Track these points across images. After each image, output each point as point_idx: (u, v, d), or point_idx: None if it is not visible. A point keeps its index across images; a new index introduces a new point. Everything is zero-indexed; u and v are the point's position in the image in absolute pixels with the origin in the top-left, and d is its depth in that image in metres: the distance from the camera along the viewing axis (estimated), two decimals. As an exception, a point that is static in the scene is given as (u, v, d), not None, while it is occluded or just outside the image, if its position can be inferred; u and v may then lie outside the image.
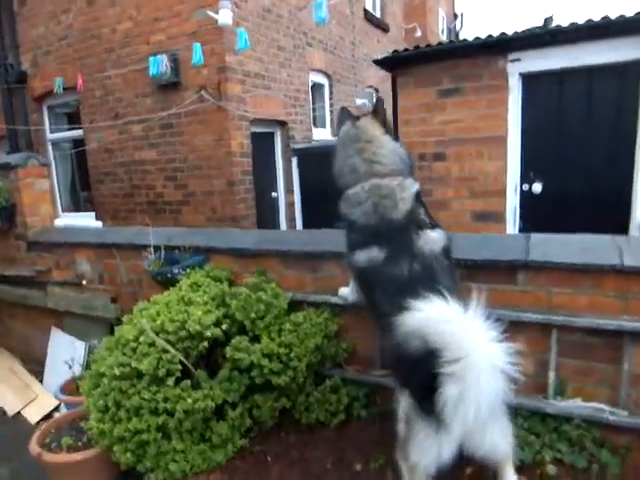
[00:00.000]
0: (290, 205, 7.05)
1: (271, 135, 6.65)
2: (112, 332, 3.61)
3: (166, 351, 2.39)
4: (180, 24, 5.20)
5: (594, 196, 3.59)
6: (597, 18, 3.23)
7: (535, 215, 3.75)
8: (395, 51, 3.92)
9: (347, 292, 2.55)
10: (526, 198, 3.73)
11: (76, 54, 6.19)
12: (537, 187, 3.70)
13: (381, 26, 9.94)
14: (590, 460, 2.19)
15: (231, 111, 5.25)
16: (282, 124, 6.63)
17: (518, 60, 3.56)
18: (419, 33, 11.92)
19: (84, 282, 3.69)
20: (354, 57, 8.85)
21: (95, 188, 6.38)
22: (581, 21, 3.28)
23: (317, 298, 2.73)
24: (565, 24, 3.31)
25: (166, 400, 2.30)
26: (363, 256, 2.00)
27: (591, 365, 2.25)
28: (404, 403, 1.89)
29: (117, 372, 2.32)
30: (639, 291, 2.13)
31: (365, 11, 9.09)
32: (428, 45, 3.82)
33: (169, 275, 3.01)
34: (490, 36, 3.58)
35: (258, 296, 2.59)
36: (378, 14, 10.10)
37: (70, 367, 3.55)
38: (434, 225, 2.00)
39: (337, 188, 2.21)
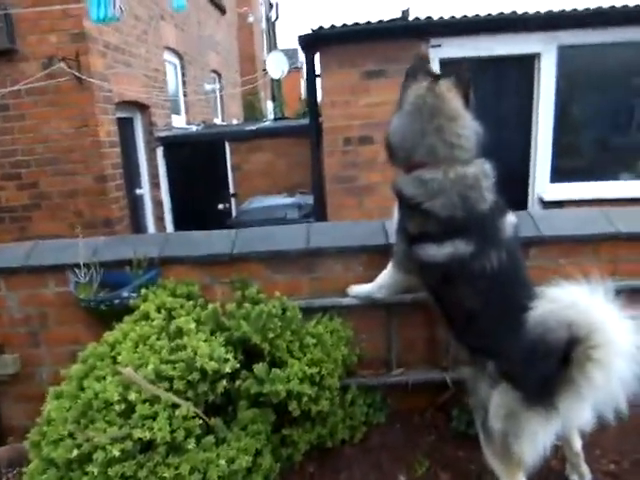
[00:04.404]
0: (157, 203, 6.14)
1: (130, 121, 5.63)
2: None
3: (175, 405, 1.75)
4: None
5: (501, 173, 3.99)
6: (507, 11, 3.58)
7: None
8: (320, 27, 3.64)
9: (371, 288, 2.27)
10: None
11: None
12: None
13: (220, 7, 9.36)
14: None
15: (97, 91, 4.23)
16: (143, 108, 5.68)
17: (439, 46, 3.69)
18: (251, 18, 11.66)
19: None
20: (200, 37, 8.13)
21: None
22: (494, 14, 3.57)
23: (324, 302, 2.37)
24: (482, 14, 3.57)
25: (193, 471, 1.69)
26: (442, 250, 1.78)
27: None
28: (502, 397, 1.75)
29: (116, 452, 1.60)
30: (625, 254, 2.41)
31: (206, -13, 8.42)
32: (355, 23, 3.65)
33: (117, 301, 2.25)
34: (417, 19, 3.62)
35: (269, 310, 2.11)
36: (215, -6, 9.48)
37: None
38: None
39: (393, 158, 1.92)
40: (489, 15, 3.61)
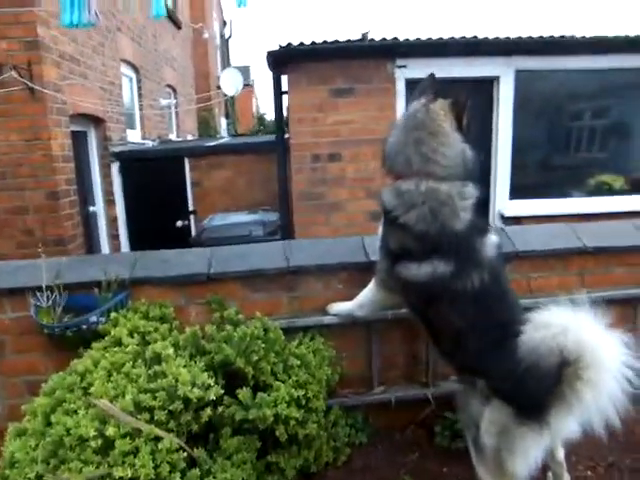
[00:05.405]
0: (112, 220, 5.86)
1: (84, 135, 5.37)
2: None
3: (158, 438, 1.63)
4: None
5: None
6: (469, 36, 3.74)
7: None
8: (289, 44, 3.64)
9: (352, 306, 2.23)
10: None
11: None
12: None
13: (176, 22, 9.22)
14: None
15: (50, 102, 4.00)
16: (98, 122, 5.44)
17: (404, 67, 3.79)
18: (207, 34, 11.56)
19: None
20: (156, 51, 7.94)
21: None
22: (457, 37, 3.72)
23: (306, 321, 2.31)
24: (446, 37, 3.70)
25: (179, 509, 1.57)
26: (422, 270, 1.77)
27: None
28: (494, 414, 1.75)
29: (94, 495, 1.46)
30: (592, 267, 2.53)
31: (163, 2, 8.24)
32: (324, 41, 3.68)
33: (84, 327, 2.09)
34: (384, 39, 3.70)
35: (251, 332, 2.03)
36: (171, 7, 9.32)
37: None
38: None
39: (384, 167, 1.92)
40: (452, 38, 3.76)
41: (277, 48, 3.65)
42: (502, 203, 4.29)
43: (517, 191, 4.34)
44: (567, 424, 1.65)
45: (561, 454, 2.04)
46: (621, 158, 4.76)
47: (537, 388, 1.58)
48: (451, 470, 2.26)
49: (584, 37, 4.01)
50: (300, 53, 3.68)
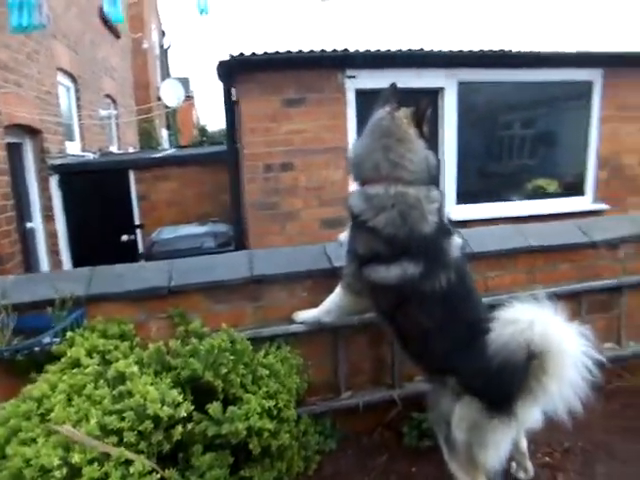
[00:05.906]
0: (52, 236, 5.53)
1: (18, 147, 5.04)
2: None
3: (129, 461, 1.55)
4: None
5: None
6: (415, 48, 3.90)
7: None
8: (241, 54, 3.61)
9: (318, 313, 2.24)
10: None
11: None
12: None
13: (113, 30, 8.90)
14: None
15: (-18, 112, 3.74)
16: (34, 133, 5.13)
17: (354, 77, 3.88)
18: (146, 44, 11.25)
19: None
20: (95, 60, 7.63)
21: None
22: (403, 49, 3.87)
23: (273, 330, 2.29)
24: (393, 50, 3.84)
25: (153, 536, 1.50)
26: (391, 272, 1.81)
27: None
28: (465, 409, 1.81)
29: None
30: (541, 264, 2.69)
31: (100, 9, 7.92)
32: (276, 52, 3.69)
33: (37, 349, 1.95)
34: (335, 50, 3.77)
35: (218, 344, 1.98)
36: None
37: None
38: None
39: (351, 174, 1.97)
40: (399, 51, 3.91)
41: (229, 58, 3.63)
42: (449, 207, 4.48)
43: (463, 196, 4.55)
44: (532, 414, 1.73)
45: (524, 444, 2.13)
46: (554, 163, 5.13)
47: (508, 382, 1.64)
48: (420, 469, 2.30)
49: (519, 52, 4.30)
50: (252, 63, 3.69)
